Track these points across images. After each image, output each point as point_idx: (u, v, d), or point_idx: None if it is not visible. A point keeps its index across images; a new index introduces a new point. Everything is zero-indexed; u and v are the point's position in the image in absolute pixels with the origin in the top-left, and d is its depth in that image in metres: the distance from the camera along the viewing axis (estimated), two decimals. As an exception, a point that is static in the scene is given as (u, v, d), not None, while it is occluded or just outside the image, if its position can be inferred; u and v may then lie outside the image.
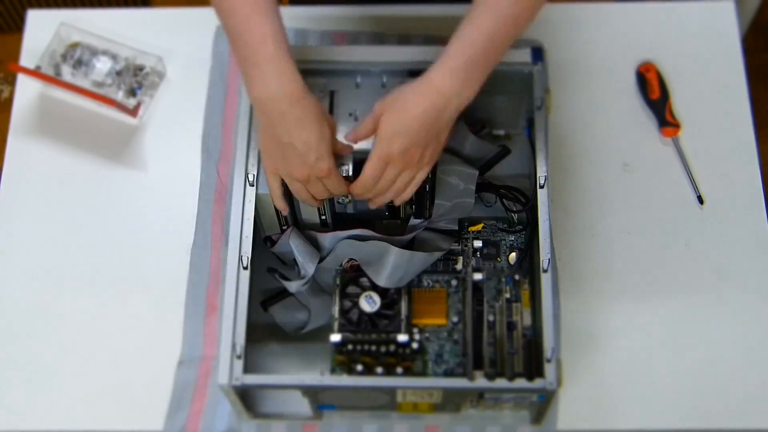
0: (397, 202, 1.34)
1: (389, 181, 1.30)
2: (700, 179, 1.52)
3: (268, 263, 1.42)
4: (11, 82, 2.50)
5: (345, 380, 1.30)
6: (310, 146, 1.25)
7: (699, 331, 1.44)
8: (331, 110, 1.41)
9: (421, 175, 1.31)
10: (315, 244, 1.39)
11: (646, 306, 1.45)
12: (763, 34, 2.49)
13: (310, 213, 1.41)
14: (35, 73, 1.58)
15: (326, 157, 1.27)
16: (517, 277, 1.39)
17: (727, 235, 1.50)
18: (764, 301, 1.46)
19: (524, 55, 1.44)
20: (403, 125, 1.25)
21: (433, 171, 1.39)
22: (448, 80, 1.24)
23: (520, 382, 1.26)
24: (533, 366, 1.31)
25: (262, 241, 1.41)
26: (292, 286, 1.37)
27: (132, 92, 1.58)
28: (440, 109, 1.25)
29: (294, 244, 1.37)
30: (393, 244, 1.35)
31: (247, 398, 1.33)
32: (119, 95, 1.57)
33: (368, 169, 1.29)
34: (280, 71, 1.24)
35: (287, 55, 1.25)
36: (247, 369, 1.28)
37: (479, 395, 1.30)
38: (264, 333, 1.40)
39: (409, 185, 1.31)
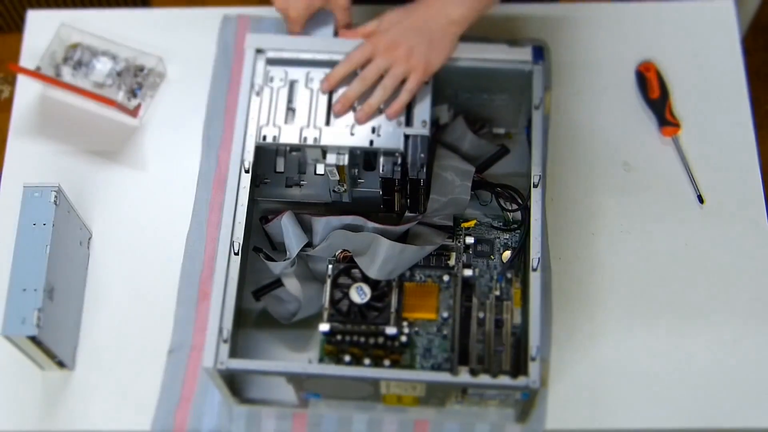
0: (390, 114, 1.39)
1: (377, 69, 1.38)
2: (700, 179, 1.52)
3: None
4: (11, 82, 2.52)
5: (328, 369, 1.30)
6: None
7: (698, 331, 1.43)
8: (329, 103, 1.43)
9: (413, 80, 1.38)
10: (308, 229, 1.40)
11: (646, 306, 1.44)
12: (763, 34, 2.49)
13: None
14: (35, 73, 1.58)
15: None
16: (509, 275, 1.39)
17: (727, 235, 1.49)
18: (764, 301, 1.45)
19: (525, 54, 1.43)
20: (395, 19, 1.39)
21: (429, 166, 1.39)
22: None
23: (503, 379, 1.25)
24: (520, 364, 1.31)
25: (259, 220, 1.42)
26: (277, 267, 1.38)
27: (132, 93, 1.59)
28: (431, 16, 1.38)
29: (284, 225, 1.38)
30: (386, 235, 1.36)
31: (234, 383, 1.34)
32: (120, 96, 1.58)
33: (356, 51, 1.40)
34: None
35: None
36: (237, 354, 1.28)
37: (463, 391, 1.29)
38: (256, 319, 1.41)
39: (397, 86, 1.38)
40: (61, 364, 1.40)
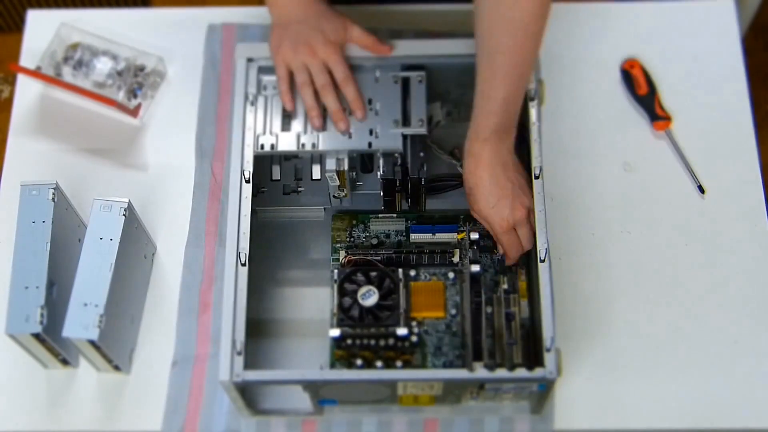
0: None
1: (528, 238, 1.38)
2: (700, 179, 1.52)
3: (265, 260, 1.43)
4: (11, 82, 2.51)
5: (346, 374, 1.30)
6: (322, 32, 1.44)
7: (699, 331, 1.43)
8: (324, 109, 1.44)
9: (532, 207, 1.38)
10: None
11: (647, 305, 1.45)
12: (763, 34, 2.49)
13: None
14: (35, 73, 1.58)
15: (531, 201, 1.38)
16: (513, 268, 1.40)
17: (727, 235, 1.49)
18: (764, 299, 1.45)
19: (515, 46, 1.44)
20: (489, 205, 1.36)
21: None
22: (487, 148, 1.36)
23: (521, 372, 1.25)
24: (532, 356, 1.31)
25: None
26: None
27: (133, 92, 1.58)
28: (497, 167, 1.36)
29: None
30: None
31: (247, 395, 1.33)
32: (120, 95, 1.57)
33: (506, 247, 1.38)
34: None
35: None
36: (247, 365, 1.27)
37: (479, 386, 1.29)
38: (261, 329, 1.40)
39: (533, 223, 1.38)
40: (65, 362, 1.40)
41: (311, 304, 1.43)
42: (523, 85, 1.37)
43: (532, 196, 1.37)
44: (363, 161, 1.46)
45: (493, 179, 1.35)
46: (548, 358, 1.25)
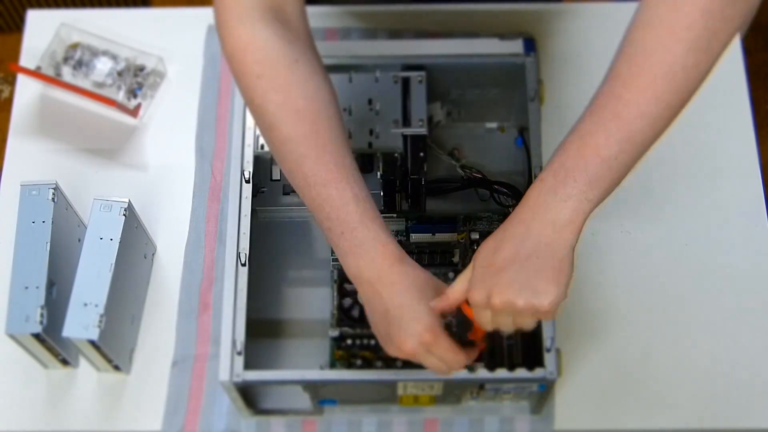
0: None
1: (507, 326, 1.14)
2: (700, 179, 1.52)
3: (265, 260, 1.43)
4: (11, 82, 2.51)
5: (347, 374, 1.30)
6: (408, 313, 1.13)
7: (699, 332, 1.43)
8: None
9: (532, 324, 1.13)
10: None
11: (647, 306, 1.45)
12: (763, 34, 2.49)
13: None
14: (35, 73, 1.58)
15: (426, 322, 1.13)
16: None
17: (727, 235, 1.49)
18: (764, 300, 1.45)
19: (516, 47, 1.45)
20: (487, 260, 1.11)
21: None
22: (562, 210, 1.13)
23: (521, 372, 1.25)
24: (533, 356, 1.31)
25: None
26: None
27: (132, 92, 1.58)
28: (532, 237, 1.11)
29: None
30: None
31: (247, 395, 1.33)
32: (120, 95, 1.57)
33: (479, 319, 1.15)
34: (368, 243, 1.15)
35: (373, 221, 1.16)
36: (247, 365, 1.27)
37: (479, 386, 1.29)
38: (261, 329, 1.40)
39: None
40: (65, 362, 1.40)
41: (311, 304, 1.43)
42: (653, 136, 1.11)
43: (552, 305, 1.08)
44: (363, 161, 1.46)
45: (523, 236, 1.10)
46: (548, 358, 1.26)
